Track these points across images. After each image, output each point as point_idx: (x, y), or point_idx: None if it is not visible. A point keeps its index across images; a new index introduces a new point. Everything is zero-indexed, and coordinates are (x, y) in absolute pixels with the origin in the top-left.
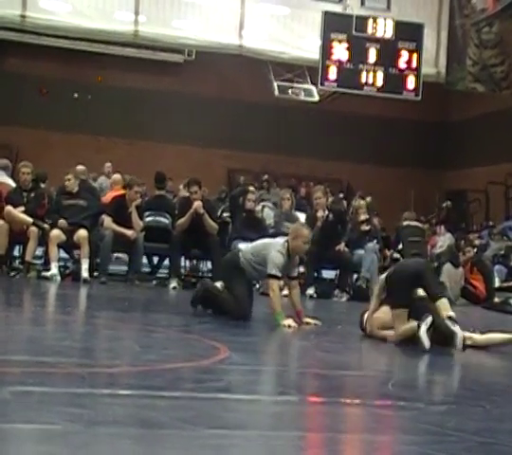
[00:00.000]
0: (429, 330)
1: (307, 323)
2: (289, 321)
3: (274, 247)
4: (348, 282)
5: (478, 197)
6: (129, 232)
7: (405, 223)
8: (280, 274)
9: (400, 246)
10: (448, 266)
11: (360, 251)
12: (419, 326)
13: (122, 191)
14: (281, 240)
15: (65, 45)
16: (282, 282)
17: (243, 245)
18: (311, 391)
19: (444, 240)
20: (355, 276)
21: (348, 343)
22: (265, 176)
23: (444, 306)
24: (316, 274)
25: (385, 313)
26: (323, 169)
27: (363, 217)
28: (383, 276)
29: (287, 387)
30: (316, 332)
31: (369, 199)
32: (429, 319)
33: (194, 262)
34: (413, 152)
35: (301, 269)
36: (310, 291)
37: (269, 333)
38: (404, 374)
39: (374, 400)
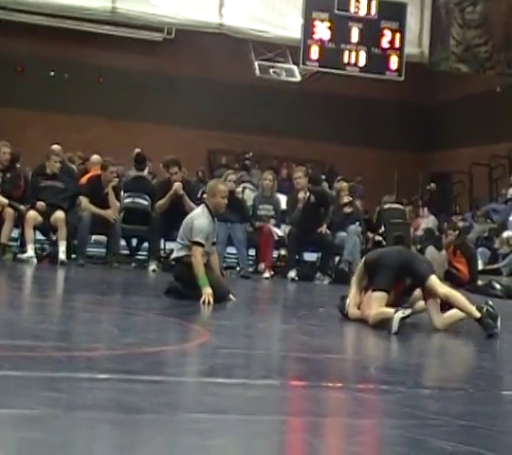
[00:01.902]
0: (404, 319)
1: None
2: (209, 295)
3: (195, 216)
4: (330, 265)
5: (462, 179)
6: (108, 212)
7: (386, 205)
8: (204, 241)
9: (382, 229)
10: (430, 249)
11: (343, 234)
12: (396, 311)
13: (99, 172)
14: (199, 207)
15: (41, 22)
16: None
17: None
18: (293, 374)
19: (427, 222)
20: (337, 259)
21: (330, 326)
22: (250, 154)
23: (437, 284)
24: (297, 257)
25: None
26: (306, 150)
27: (346, 199)
28: (361, 263)
29: (269, 370)
30: (297, 315)
31: (359, 178)
32: (409, 311)
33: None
34: (397, 133)
35: (283, 252)
36: (291, 274)
37: (250, 316)
38: (387, 358)
39: (356, 384)
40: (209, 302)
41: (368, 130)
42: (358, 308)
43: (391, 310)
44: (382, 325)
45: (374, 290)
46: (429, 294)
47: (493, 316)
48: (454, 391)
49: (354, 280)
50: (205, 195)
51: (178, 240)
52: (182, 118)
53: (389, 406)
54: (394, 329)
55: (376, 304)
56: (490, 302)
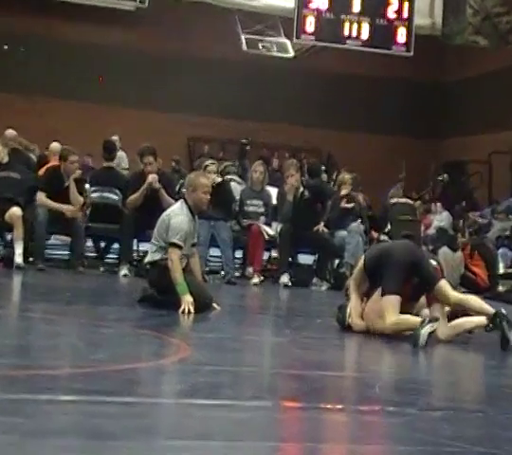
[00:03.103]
0: (431, 333)
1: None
2: (189, 303)
3: (172, 213)
4: (328, 269)
5: (479, 170)
6: (68, 207)
7: (393, 200)
8: (182, 243)
9: (389, 227)
10: (444, 250)
11: (343, 233)
12: (423, 323)
13: (58, 163)
14: (177, 203)
15: None
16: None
17: None
18: (286, 394)
19: (440, 219)
20: (336, 261)
21: (328, 339)
22: (245, 140)
23: (447, 289)
24: (291, 259)
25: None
26: (300, 137)
27: (344, 191)
28: (360, 264)
29: (259, 390)
30: (292, 326)
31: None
32: (437, 324)
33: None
34: (405, 117)
35: (274, 254)
36: (284, 279)
37: (237, 328)
38: (393, 375)
39: (358, 405)
40: (189, 312)
41: (372, 113)
42: (362, 318)
43: (416, 320)
44: (400, 335)
45: (383, 294)
46: (435, 299)
47: (506, 327)
48: (471, 413)
49: (352, 286)
50: (183, 190)
51: (153, 241)
52: (158, 101)
53: (396, 430)
54: (422, 343)
55: (393, 310)
56: (503, 311)
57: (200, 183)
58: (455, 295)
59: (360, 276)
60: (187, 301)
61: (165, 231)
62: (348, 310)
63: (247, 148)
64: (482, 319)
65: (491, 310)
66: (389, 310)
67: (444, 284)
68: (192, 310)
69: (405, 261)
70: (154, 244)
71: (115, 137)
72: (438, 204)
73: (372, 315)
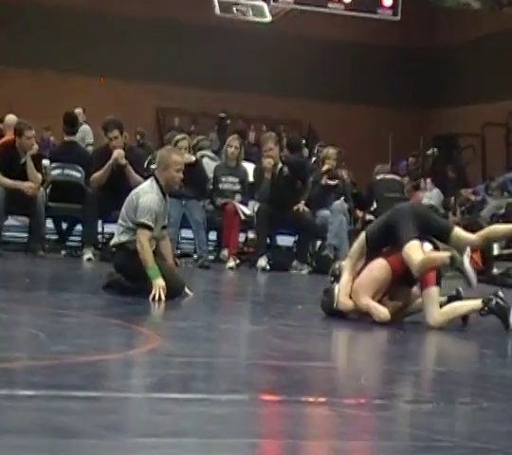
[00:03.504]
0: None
1: None
2: (160, 288)
3: (141, 192)
4: (310, 251)
5: (472, 143)
6: (25, 184)
7: (378, 176)
8: (152, 223)
9: (374, 206)
10: None
11: (325, 212)
12: (454, 259)
13: (13, 137)
14: (147, 181)
15: None
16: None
17: None
18: (265, 387)
19: (430, 197)
20: (318, 243)
21: (310, 327)
22: (222, 114)
23: (465, 234)
24: (269, 241)
25: (373, 272)
26: (279, 108)
27: (326, 167)
28: (361, 238)
29: (235, 383)
30: (270, 313)
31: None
32: (468, 250)
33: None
34: (392, 86)
35: (251, 235)
36: (262, 262)
37: (211, 315)
38: (380, 366)
39: (343, 398)
40: (160, 298)
41: (356, 83)
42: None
43: (442, 254)
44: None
45: (401, 246)
46: (424, 281)
47: (503, 310)
48: (465, 405)
49: (347, 263)
50: (152, 166)
51: (120, 221)
52: (125, 70)
53: (383, 424)
54: (474, 283)
55: (416, 253)
56: (500, 294)
57: (173, 160)
58: (476, 235)
59: (359, 252)
60: (158, 286)
61: (133, 211)
62: (336, 290)
63: (227, 122)
64: (477, 303)
65: None
66: (415, 253)
67: (459, 231)
68: (163, 296)
69: (414, 215)
70: (121, 225)
71: (78, 110)
72: (428, 180)
73: (359, 290)
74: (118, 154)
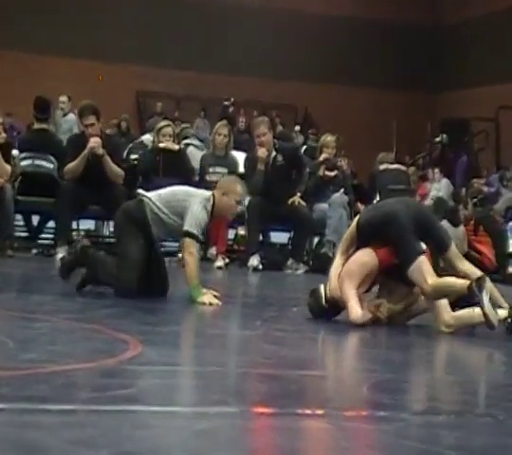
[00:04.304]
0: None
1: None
2: (209, 297)
3: (197, 199)
4: (306, 249)
5: (485, 128)
6: None
7: (381, 166)
8: (200, 235)
9: (377, 198)
10: (444, 224)
11: (324, 205)
12: (473, 293)
13: None
14: (205, 192)
15: None
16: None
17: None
18: (257, 398)
19: (439, 188)
20: (315, 239)
21: (307, 332)
22: (227, 102)
23: (458, 256)
24: (262, 238)
25: (362, 256)
26: (271, 92)
27: (323, 156)
28: (353, 223)
29: (224, 394)
30: (263, 317)
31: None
32: (489, 285)
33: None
34: (395, 66)
35: (242, 231)
36: (253, 261)
37: (198, 319)
38: (384, 374)
39: (343, 410)
40: (217, 304)
41: (356, 63)
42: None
43: (460, 281)
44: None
45: (404, 266)
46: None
47: None
48: (477, 417)
49: (340, 248)
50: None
51: (160, 197)
52: (100, 49)
53: (388, 439)
54: (495, 322)
55: (430, 271)
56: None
57: (235, 189)
58: (464, 268)
59: (351, 238)
60: (205, 301)
61: (175, 201)
62: (322, 289)
63: (230, 110)
64: (502, 311)
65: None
66: (426, 274)
67: (454, 251)
68: (217, 302)
69: (411, 221)
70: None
71: (63, 98)
72: (436, 170)
73: (345, 276)
74: (94, 142)
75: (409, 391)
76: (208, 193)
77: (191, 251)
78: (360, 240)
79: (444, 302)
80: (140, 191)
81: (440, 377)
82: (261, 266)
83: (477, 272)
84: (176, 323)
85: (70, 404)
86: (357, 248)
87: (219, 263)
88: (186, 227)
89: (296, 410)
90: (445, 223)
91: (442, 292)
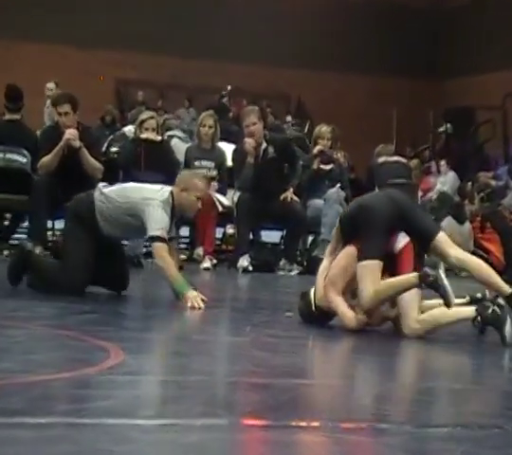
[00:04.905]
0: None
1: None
2: (195, 298)
3: (154, 202)
4: (300, 249)
5: (492, 117)
6: None
7: (380, 159)
8: (166, 235)
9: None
10: (448, 222)
11: (318, 202)
12: (429, 275)
13: None
14: (163, 189)
15: None
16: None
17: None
18: (248, 409)
19: (444, 182)
20: (310, 238)
21: (300, 338)
22: (224, 92)
23: (447, 243)
24: (252, 237)
25: (346, 259)
26: (262, 79)
27: (318, 148)
28: (337, 224)
29: (212, 404)
30: (254, 322)
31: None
32: (443, 264)
33: None
34: (395, 51)
35: (230, 230)
36: (243, 262)
37: (184, 325)
38: (384, 382)
39: (340, 421)
40: (199, 307)
41: (353, 48)
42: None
43: (409, 277)
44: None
45: (360, 260)
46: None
47: (500, 320)
48: (484, 429)
49: (328, 249)
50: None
51: (115, 194)
52: (76, 34)
53: (389, 453)
54: (452, 299)
55: (371, 279)
56: (500, 301)
57: (195, 185)
58: (455, 254)
59: (337, 237)
60: (191, 298)
61: (130, 202)
62: (312, 292)
63: (224, 100)
64: (470, 311)
65: (503, 283)
66: (366, 279)
67: (443, 238)
68: (201, 305)
69: (389, 215)
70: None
71: (50, 85)
72: (442, 162)
73: (328, 282)
74: (70, 134)
75: (410, 400)
76: (166, 193)
77: (161, 255)
78: (343, 237)
79: (411, 304)
80: (100, 185)
81: (442, 386)
82: (251, 268)
83: (472, 258)
84: (160, 330)
85: (47, 417)
86: (344, 246)
87: (206, 264)
88: (150, 233)
89: (289, 422)
90: (449, 220)
91: (386, 294)
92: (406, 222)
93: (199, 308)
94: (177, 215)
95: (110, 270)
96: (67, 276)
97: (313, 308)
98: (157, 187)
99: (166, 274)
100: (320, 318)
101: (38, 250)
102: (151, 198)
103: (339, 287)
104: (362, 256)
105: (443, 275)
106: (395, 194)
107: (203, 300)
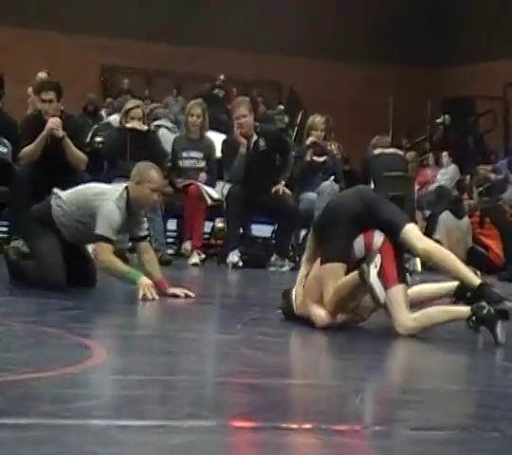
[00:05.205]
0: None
1: (174, 296)
2: (147, 287)
3: (107, 197)
4: (292, 243)
5: (493, 107)
6: None
7: (376, 151)
8: (113, 236)
9: (372, 186)
10: (446, 216)
11: (311, 195)
12: (363, 271)
13: None
14: (118, 186)
15: None
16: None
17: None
18: (237, 411)
19: (445, 174)
20: (302, 233)
21: (292, 336)
22: (218, 82)
23: (414, 236)
24: (242, 231)
25: (312, 280)
26: (253, 66)
27: (311, 139)
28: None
29: (200, 406)
30: (243, 320)
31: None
32: (378, 258)
33: None
34: (391, 37)
35: (220, 224)
36: (233, 257)
37: (170, 322)
38: (378, 383)
39: (333, 423)
40: (153, 298)
41: (347, 34)
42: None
43: (352, 275)
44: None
45: (322, 262)
46: (385, 280)
47: (493, 320)
48: (483, 432)
49: (305, 253)
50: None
51: (71, 197)
52: (60, 19)
53: None
54: (381, 296)
55: (332, 281)
56: (495, 290)
57: (150, 177)
58: (423, 247)
59: (312, 244)
60: (143, 285)
61: (84, 202)
62: (294, 292)
63: (215, 91)
64: (466, 310)
65: (472, 275)
66: (329, 282)
67: (411, 231)
68: (155, 294)
69: (354, 213)
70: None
71: (42, 74)
72: (444, 154)
73: (306, 294)
74: (52, 122)
75: (406, 402)
76: (120, 188)
77: (102, 255)
78: (318, 243)
79: (400, 302)
80: (56, 190)
81: (439, 387)
82: (241, 263)
83: (439, 249)
84: (145, 327)
85: (27, 418)
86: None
87: (194, 259)
88: (96, 231)
89: (280, 424)
90: (447, 214)
91: (340, 293)
92: (372, 218)
93: (153, 299)
94: (136, 211)
95: (75, 269)
96: (47, 274)
97: (294, 310)
98: (113, 185)
99: (114, 272)
100: (300, 321)
101: (19, 244)
102: (103, 193)
103: (317, 299)
104: (324, 259)
105: (372, 271)
106: (364, 191)
107: (188, 296)
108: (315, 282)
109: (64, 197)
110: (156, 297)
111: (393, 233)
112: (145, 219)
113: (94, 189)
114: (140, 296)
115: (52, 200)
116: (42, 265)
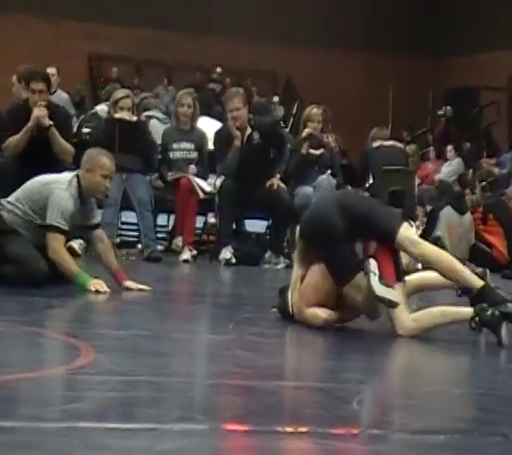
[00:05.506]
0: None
1: (128, 289)
2: (97, 283)
3: (56, 185)
4: (287, 240)
5: (496, 99)
6: None
7: (375, 143)
8: (66, 226)
9: (370, 180)
10: (447, 212)
11: (307, 189)
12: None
13: None
14: (67, 174)
15: None
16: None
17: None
18: (229, 414)
19: (448, 165)
20: (298, 229)
21: (287, 337)
22: (219, 69)
23: (409, 240)
24: (235, 226)
25: (316, 279)
26: (247, 55)
27: (307, 131)
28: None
29: (191, 409)
30: (236, 319)
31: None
32: (373, 263)
33: None
34: (391, 27)
35: (212, 219)
36: (226, 254)
37: (159, 321)
38: (376, 385)
39: (330, 427)
40: (105, 291)
41: (345, 22)
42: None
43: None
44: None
45: (338, 285)
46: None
47: (497, 321)
48: (485, 436)
49: (295, 256)
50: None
51: (20, 195)
52: (45, 5)
53: None
54: (394, 298)
55: (356, 292)
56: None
57: (101, 163)
58: (418, 252)
59: (302, 246)
60: (94, 286)
61: (34, 196)
62: (289, 292)
63: (212, 85)
64: (469, 312)
65: (473, 277)
66: (356, 296)
67: (406, 234)
68: (105, 288)
69: (345, 229)
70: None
71: (51, 70)
72: (449, 147)
73: (300, 299)
74: (38, 112)
75: (404, 405)
76: (70, 175)
77: (53, 247)
78: (307, 247)
79: (400, 305)
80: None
81: (439, 390)
82: (234, 260)
83: (434, 250)
84: (135, 326)
85: (12, 421)
86: (311, 253)
87: (186, 255)
88: (46, 221)
89: (274, 428)
90: (449, 210)
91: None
92: (363, 229)
93: (105, 292)
94: (87, 198)
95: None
96: (28, 266)
97: (290, 310)
98: (63, 174)
99: (63, 270)
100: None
101: None
102: (53, 182)
103: (312, 303)
104: (339, 283)
105: (374, 283)
106: (345, 200)
107: (143, 290)
108: (311, 291)
109: (13, 199)
110: (107, 290)
111: (387, 242)
112: (96, 206)
113: (43, 179)
114: (93, 290)
115: (2, 210)
116: (21, 261)
